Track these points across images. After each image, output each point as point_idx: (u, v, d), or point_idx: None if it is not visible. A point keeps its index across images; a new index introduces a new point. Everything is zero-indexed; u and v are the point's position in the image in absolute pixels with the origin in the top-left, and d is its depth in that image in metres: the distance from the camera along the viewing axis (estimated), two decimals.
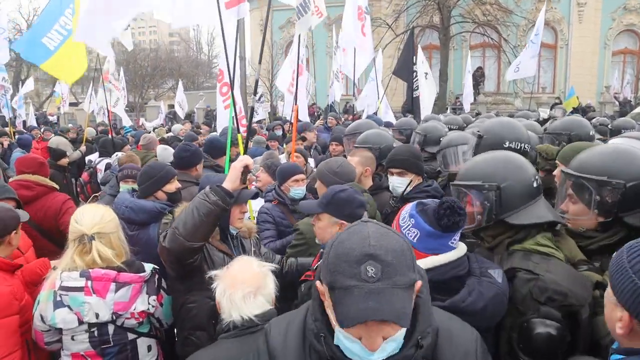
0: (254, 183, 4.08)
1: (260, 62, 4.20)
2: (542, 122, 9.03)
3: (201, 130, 11.08)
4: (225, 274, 1.81)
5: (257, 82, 5.84)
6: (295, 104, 6.05)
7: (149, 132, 10.95)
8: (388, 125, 6.97)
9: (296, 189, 3.46)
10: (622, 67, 25.67)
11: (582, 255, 1.81)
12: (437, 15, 22.22)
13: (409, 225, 1.59)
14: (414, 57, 8.87)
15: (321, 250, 2.29)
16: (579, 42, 25.52)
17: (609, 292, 1.20)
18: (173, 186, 3.29)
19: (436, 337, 1.22)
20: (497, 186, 1.79)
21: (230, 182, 2.17)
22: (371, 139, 3.86)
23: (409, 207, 1.61)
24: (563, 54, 26.04)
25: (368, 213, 2.78)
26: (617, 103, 20.80)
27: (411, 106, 8.98)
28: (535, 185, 1.82)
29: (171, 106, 26.47)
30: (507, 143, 2.62)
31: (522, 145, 2.62)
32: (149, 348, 2.20)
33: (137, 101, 31.55)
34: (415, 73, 8.75)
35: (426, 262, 1.52)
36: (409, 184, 2.91)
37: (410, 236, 1.56)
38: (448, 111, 12.88)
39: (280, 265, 2.65)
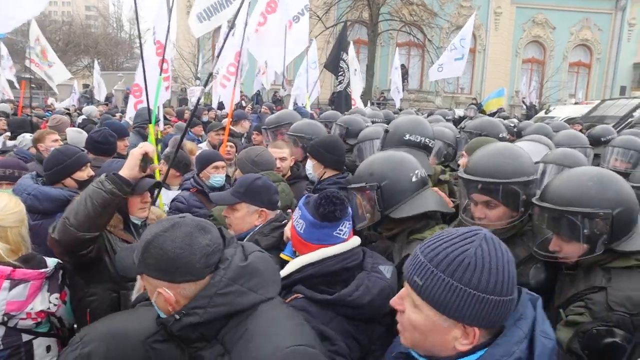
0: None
1: (215, 57, 3.99)
2: (458, 120, 9.66)
3: (117, 114, 10.41)
4: None
5: (210, 75, 5.48)
6: (234, 88, 5.75)
7: (66, 114, 10.08)
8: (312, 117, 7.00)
9: (216, 176, 3.39)
10: (530, 74, 28.06)
11: None
12: (366, 11, 22.74)
13: (297, 216, 1.68)
14: (343, 53, 8.95)
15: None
16: (495, 48, 27.43)
17: (422, 316, 1.08)
18: (85, 174, 3.04)
19: (241, 335, 1.23)
20: (377, 185, 1.93)
21: (128, 169, 2.02)
22: (305, 129, 3.85)
23: (302, 199, 1.72)
24: (481, 58, 27.84)
25: (284, 201, 2.81)
26: (524, 107, 22.68)
27: (338, 100, 9.08)
28: (414, 179, 1.97)
29: (86, 86, 24.56)
30: (407, 136, 2.79)
31: (422, 139, 2.78)
32: (48, 349, 2.01)
33: None
34: (341, 69, 8.85)
35: (313, 256, 1.62)
36: (322, 175, 2.97)
37: (299, 227, 1.67)
38: (368, 105, 13.19)
39: None
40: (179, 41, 24.78)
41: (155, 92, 4.60)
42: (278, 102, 18.74)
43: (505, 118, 10.28)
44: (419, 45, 25.62)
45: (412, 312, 1.10)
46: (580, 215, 1.65)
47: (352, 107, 8.95)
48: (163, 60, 4.65)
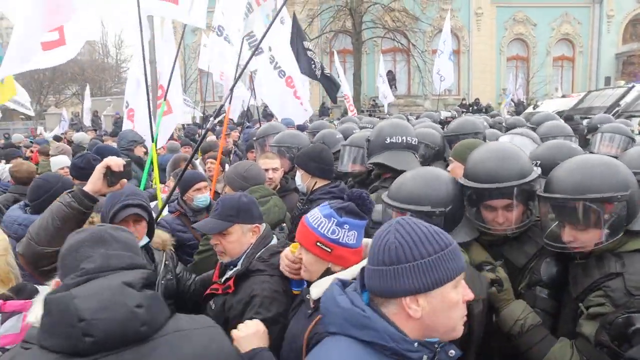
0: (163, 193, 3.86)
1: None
2: (444, 122, 9.78)
3: (102, 139, 10.41)
4: None
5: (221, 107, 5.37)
6: (229, 104, 5.73)
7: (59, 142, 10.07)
8: (302, 128, 7.03)
9: (199, 197, 3.31)
10: (515, 71, 28.31)
11: (486, 257, 1.99)
12: (349, 20, 22.96)
13: (344, 232, 1.56)
14: (303, 42, 8.81)
15: (221, 262, 2.20)
16: (478, 48, 27.73)
17: None
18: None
19: None
20: (444, 211, 1.89)
21: (91, 183, 2.00)
22: (287, 139, 3.85)
23: (326, 221, 1.57)
24: (465, 59, 28.10)
25: (278, 215, 2.78)
26: (513, 103, 22.87)
27: (327, 84, 8.97)
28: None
29: (75, 114, 24.55)
30: (388, 139, 2.83)
31: (404, 138, 2.83)
32: None
33: (35, 108, 28.75)
34: (312, 59, 8.72)
35: (351, 272, 1.52)
36: (314, 185, 2.94)
37: (350, 240, 1.57)
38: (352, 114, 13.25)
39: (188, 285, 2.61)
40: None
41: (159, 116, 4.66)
42: (269, 116, 18.76)
43: (493, 116, 10.38)
44: (404, 51, 25.86)
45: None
46: (600, 200, 1.64)
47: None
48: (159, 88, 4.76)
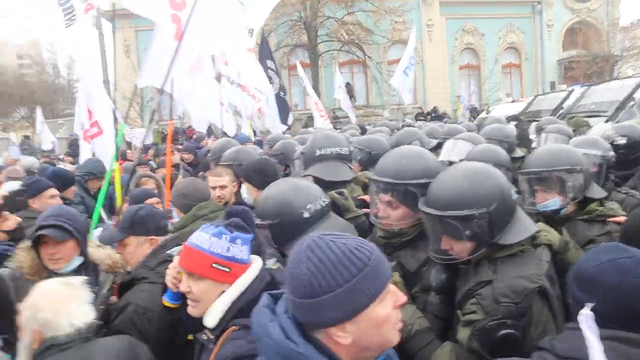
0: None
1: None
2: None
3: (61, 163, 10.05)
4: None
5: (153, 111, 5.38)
6: (171, 119, 5.73)
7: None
8: (259, 142, 7.03)
9: None
10: (468, 79, 29.40)
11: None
12: (304, 34, 23.22)
13: (237, 248, 1.49)
14: (268, 61, 8.99)
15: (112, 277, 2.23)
16: (431, 58, 28.60)
17: None
18: (11, 222, 2.83)
19: None
20: (269, 224, 1.90)
21: None
22: (234, 156, 3.88)
23: (217, 240, 1.46)
24: (420, 69, 28.86)
25: None
26: (468, 110, 23.71)
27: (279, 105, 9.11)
28: (306, 215, 1.91)
29: (26, 137, 23.55)
30: (317, 152, 2.91)
31: (333, 150, 2.90)
32: None
33: None
34: (270, 78, 8.89)
35: (236, 289, 1.47)
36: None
37: (244, 255, 1.51)
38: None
39: None
40: (119, 83, 24.32)
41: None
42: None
43: (446, 122, 10.78)
44: (361, 62, 26.33)
45: None
46: (458, 218, 1.68)
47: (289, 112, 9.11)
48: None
